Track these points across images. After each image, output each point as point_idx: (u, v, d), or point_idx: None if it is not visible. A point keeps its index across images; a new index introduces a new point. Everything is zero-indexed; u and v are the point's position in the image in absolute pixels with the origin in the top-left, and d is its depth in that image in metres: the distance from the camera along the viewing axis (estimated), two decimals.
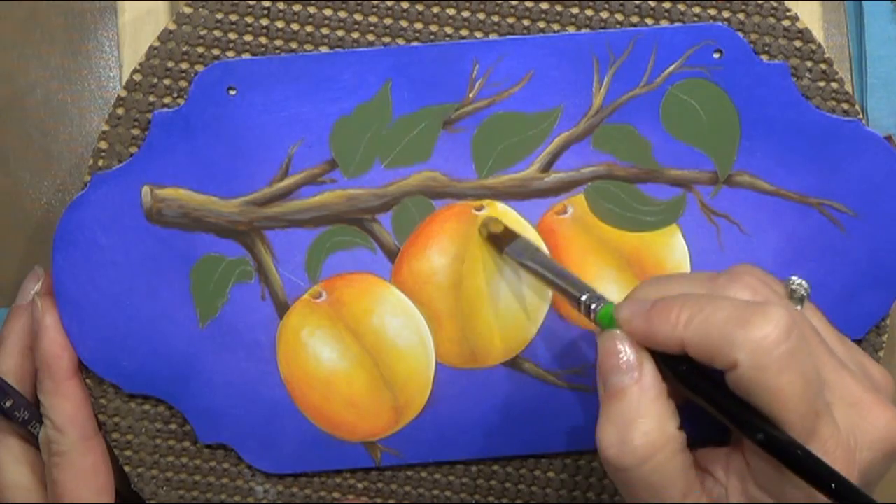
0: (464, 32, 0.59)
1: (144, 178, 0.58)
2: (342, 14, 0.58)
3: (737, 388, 0.46)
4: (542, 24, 0.59)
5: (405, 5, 0.58)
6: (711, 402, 0.47)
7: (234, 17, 0.58)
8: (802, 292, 0.51)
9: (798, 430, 0.45)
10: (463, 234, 0.59)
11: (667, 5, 0.58)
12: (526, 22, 0.59)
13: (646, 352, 0.49)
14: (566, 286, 0.53)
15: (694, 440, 0.49)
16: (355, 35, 0.59)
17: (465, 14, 0.59)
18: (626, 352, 0.48)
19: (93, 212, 0.58)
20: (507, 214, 0.59)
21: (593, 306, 0.51)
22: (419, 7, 0.58)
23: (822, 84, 0.59)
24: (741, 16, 0.58)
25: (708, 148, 0.59)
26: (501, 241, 0.58)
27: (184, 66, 0.58)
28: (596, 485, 0.61)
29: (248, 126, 0.58)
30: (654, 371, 0.48)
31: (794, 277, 0.51)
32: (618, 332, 0.49)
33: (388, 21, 0.59)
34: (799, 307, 0.51)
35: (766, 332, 0.45)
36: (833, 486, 0.44)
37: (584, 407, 0.60)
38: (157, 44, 0.58)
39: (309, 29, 0.58)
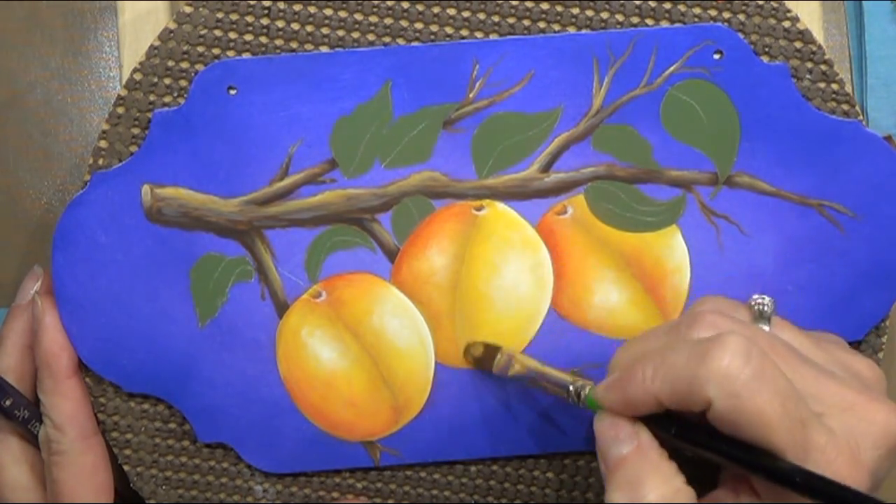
0: (464, 32, 0.59)
1: (144, 178, 0.58)
2: (342, 14, 0.58)
3: (720, 425, 0.46)
4: (542, 25, 0.59)
5: (405, 5, 0.58)
6: (710, 450, 0.47)
7: (234, 17, 0.58)
8: (766, 310, 0.51)
9: (791, 447, 0.45)
10: (463, 234, 0.59)
11: (667, 6, 0.58)
12: (526, 22, 0.59)
13: (639, 421, 0.49)
14: (552, 381, 0.55)
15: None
16: (355, 35, 0.59)
17: (466, 14, 0.59)
18: (621, 425, 0.49)
19: (93, 211, 0.58)
20: (507, 214, 0.59)
21: (581, 394, 0.52)
22: (419, 7, 0.58)
23: (822, 85, 0.59)
24: (742, 17, 0.59)
25: (708, 149, 0.59)
26: (486, 360, 0.59)
27: (184, 65, 0.58)
28: (595, 485, 0.61)
29: (249, 125, 0.58)
30: (651, 437, 0.49)
31: (755, 296, 0.51)
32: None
33: (388, 21, 0.59)
34: (766, 326, 0.51)
35: (727, 361, 0.45)
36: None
37: None
38: (157, 43, 0.58)
39: (309, 28, 0.59)
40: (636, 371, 0.48)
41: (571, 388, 0.53)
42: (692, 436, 0.48)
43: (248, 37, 0.59)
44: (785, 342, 0.49)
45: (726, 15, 0.59)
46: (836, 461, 0.46)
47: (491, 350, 0.59)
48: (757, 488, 0.48)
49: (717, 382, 0.45)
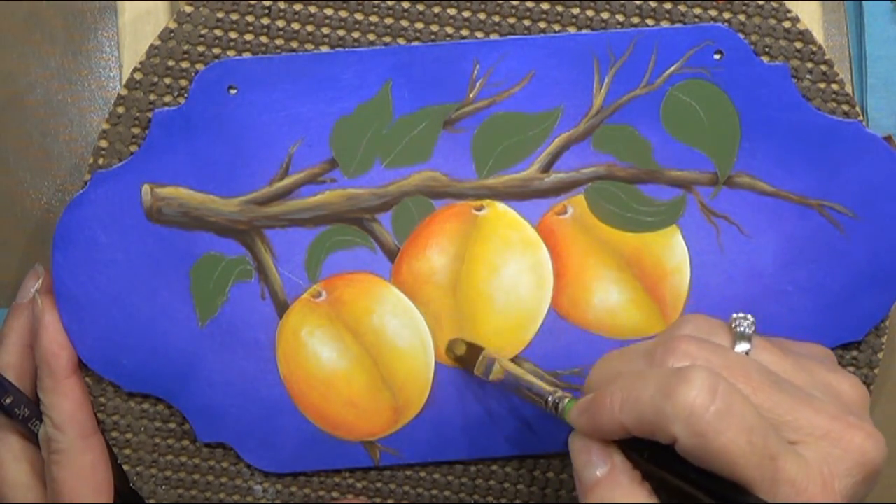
0: (464, 32, 0.59)
1: (145, 177, 0.58)
2: (343, 13, 0.58)
3: (688, 458, 0.46)
4: (542, 25, 0.59)
5: (406, 5, 0.58)
6: (679, 477, 0.47)
7: (234, 16, 0.58)
8: (747, 329, 0.51)
9: (759, 481, 0.45)
10: (463, 234, 0.59)
11: (667, 6, 0.58)
12: (527, 22, 0.59)
13: (614, 444, 0.49)
14: (533, 390, 0.55)
15: None
16: (356, 35, 0.59)
17: (466, 14, 0.59)
18: (594, 448, 0.49)
19: (93, 210, 0.58)
20: (507, 214, 0.59)
21: (560, 406, 0.52)
22: (420, 7, 0.59)
23: (822, 86, 0.59)
24: (742, 17, 0.59)
25: (708, 149, 0.59)
26: (468, 359, 0.58)
27: (184, 64, 0.59)
28: None
29: (249, 125, 0.58)
30: (624, 460, 0.49)
31: (735, 315, 0.51)
32: None
33: (388, 21, 0.59)
34: (747, 346, 0.50)
35: (692, 399, 0.45)
36: None
37: None
38: (157, 42, 0.58)
39: (310, 28, 0.59)
40: (605, 398, 0.48)
41: (550, 399, 0.53)
42: (664, 462, 0.47)
43: (249, 36, 0.59)
44: (761, 367, 0.49)
45: (727, 15, 0.59)
46: (807, 491, 0.45)
47: (474, 350, 0.59)
48: None
49: (681, 420, 0.45)
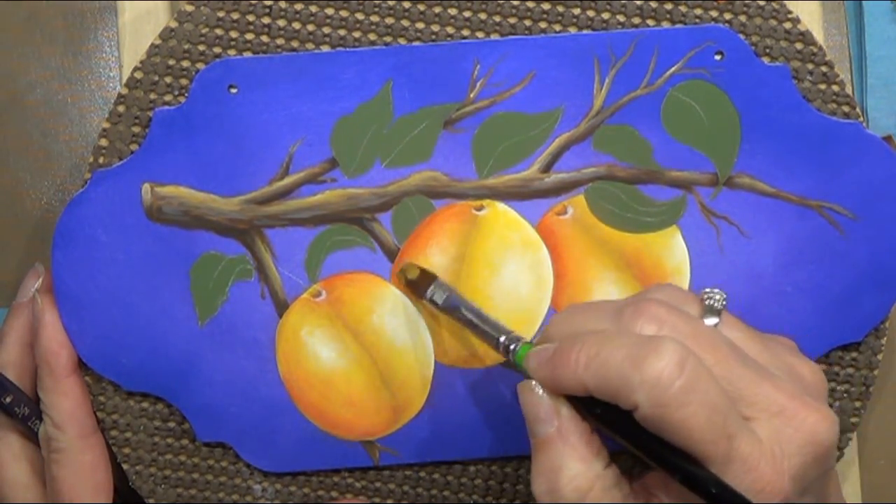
0: (465, 32, 0.59)
1: (145, 176, 0.58)
2: (343, 13, 0.59)
3: (645, 425, 0.46)
4: (543, 25, 0.59)
5: (407, 5, 0.58)
6: (630, 441, 0.47)
7: (235, 16, 0.58)
8: (717, 304, 0.51)
9: (713, 457, 0.45)
10: (462, 234, 0.59)
11: (668, 7, 0.59)
12: (527, 22, 0.59)
13: (562, 397, 0.49)
14: (485, 328, 0.55)
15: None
16: (356, 34, 0.59)
17: (467, 14, 0.59)
18: (544, 400, 0.49)
19: (93, 209, 0.58)
20: (507, 214, 0.59)
21: (512, 347, 0.52)
22: (420, 7, 0.59)
23: (822, 86, 0.59)
24: (743, 18, 0.59)
25: (708, 149, 0.59)
26: (419, 286, 0.58)
27: (185, 63, 0.59)
28: None
29: (249, 124, 0.58)
30: (572, 415, 0.49)
31: (708, 289, 0.51)
32: (533, 382, 0.50)
33: (389, 20, 0.59)
34: (716, 320, 0.51)
35: (659, 370, 0.45)
36: None
37: None
38: (158, 41, 0.59)
39: (310, 28, 0.59)
40: (569, 354, 0.48)
41: (503, 339, 0.53)
42: (616, 423, 0.48)
43: (249, 36, 0.59)
44: (728, 341, 0.49)
45: (727, 16, 0.59)
46: (757, 468, 0.46)
47: (426, 277, 0.58)
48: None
49: (646, 390, 0.45)
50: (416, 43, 0.59)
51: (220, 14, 0.58)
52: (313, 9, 0.58)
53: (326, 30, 0.59)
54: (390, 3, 0.58)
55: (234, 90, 0.58)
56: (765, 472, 0.46)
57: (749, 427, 0.47)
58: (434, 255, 0.59)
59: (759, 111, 0.58)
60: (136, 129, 0.59)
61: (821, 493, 0.49)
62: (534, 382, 0.50)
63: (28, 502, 0.60)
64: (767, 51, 0.59)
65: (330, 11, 0.58)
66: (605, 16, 0.59)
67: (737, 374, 0.48)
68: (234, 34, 0.59)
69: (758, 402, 0.47)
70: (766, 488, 0.46)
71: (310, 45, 0.59)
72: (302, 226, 0.59)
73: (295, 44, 0.59)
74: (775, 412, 0.47)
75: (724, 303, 0.51)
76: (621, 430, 0.47)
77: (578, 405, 0.49)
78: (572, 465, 0.48)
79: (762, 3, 0.58)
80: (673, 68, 0.58)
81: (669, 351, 0.45)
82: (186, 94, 0.58)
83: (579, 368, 0.47)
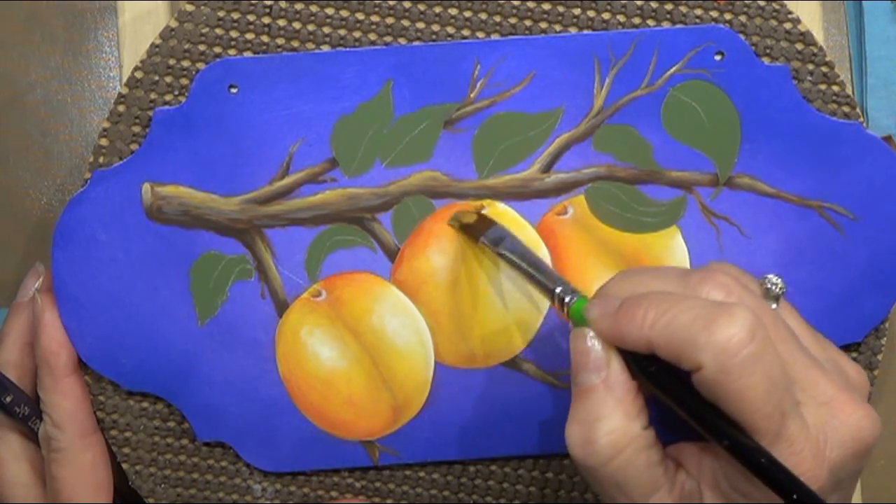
0: (465, 32, 0.59)
1: (145, 176, 0.58)
2: (344, 13, 0.59)
3: (702, 389, 0.46)
4: (543, 25, 0.59)
5: (407, 5, 0.59)
6: (679, 403, 0.47)
7: (235, 15, 0.58)
8: (778, 291, 0.51)
9: (763, 432, 0.45)
10: (463, 234, 0.59)
11: (668, 7, 0.59)
12: (528, 22, 0.59)
13: (615, 350, 0.49)
14: (540, 277, 0.54)
15: (672, 434, 0.50)
16: (357, 34, 0.59)
17: (467, 14, 0.59)
18: (595, 350, 0.49)
19: (93, 208, 0.58)
20: (507, 214, 0.59)
21: (567, 299, 0.51)
22: (421, 7, 0.59)
23: (823, 87, 0.59)
24: (743, 18, 0.59)
25: (709, 150, 0.59)
26: (476, 229, 0.58)
27: (185, 63, 0.59)
28: None
29: (249, 124, 0.58)
30: (622, 370, 0.48)
31: (769, 276, 0.51)
32: (587, 330, 0.49)
33: (389, 20, 0.59)
34: (774, 305, 0.51)
35: (730, 335, 0.45)
36: (795, 496, 0.44)
37: None
38: (158, 41, 0.59)
39: (311, 27, 0.59)
40: (637, 310, 0.47)
41: (559, 290, 0.52)
42: (668, 384, 0.47)
43: (250, 35, 0.59)
44: (786, 324, 0.49)
45: (727, 16, 0.59)
46: (801, 453, 0.46)
47: (484, 221, 0.58)
48: (719, 453, 0.48)
49: (713, 353, 0.45)
50: (417, 43, 0.59)
51: (221, 14, 0.58)
52: (313, 9, 0.58)
53: (326, 30, 0.59)
54: (390, 2, 0.58)
55: (234, 90, 0.58)
56: (806, 458, 0.46)
57: (800, 410, 0.47)
58: (434, 254, 0.59)
59: (760, 111, 0.58)
60: (137, 129, 0.59)
61: (847, 494, 0.49)
62: (588, 331, 0.49)
63: (28, 502, 0.60)
64: (768, 51, 0.59)
65: (330, 11, 0.58)
66: (606, 16, 0.59)
67: (794, 356, 0.48)
68: (234, 34, 0.59)
69: (808, 389, 0.47)
70: (805, 474, 0.45)
71: (310, 45, 0.59)
72: (302, 226, 0.59)
73: (295, 44, 0.59)
74: (823, 401, 0.47)
75: (784, 290, 0.51)
76: (672, 391, 0.47)
77: (630, 362, 0.48)
78: (614, 418, 0.48)
79: (762, 3, 0.58)
80: (673, 68, 0.58)
81: (742, 317, 0.45)
82: (187, 94, 0.58)
83: (646, 326, 0.47)
